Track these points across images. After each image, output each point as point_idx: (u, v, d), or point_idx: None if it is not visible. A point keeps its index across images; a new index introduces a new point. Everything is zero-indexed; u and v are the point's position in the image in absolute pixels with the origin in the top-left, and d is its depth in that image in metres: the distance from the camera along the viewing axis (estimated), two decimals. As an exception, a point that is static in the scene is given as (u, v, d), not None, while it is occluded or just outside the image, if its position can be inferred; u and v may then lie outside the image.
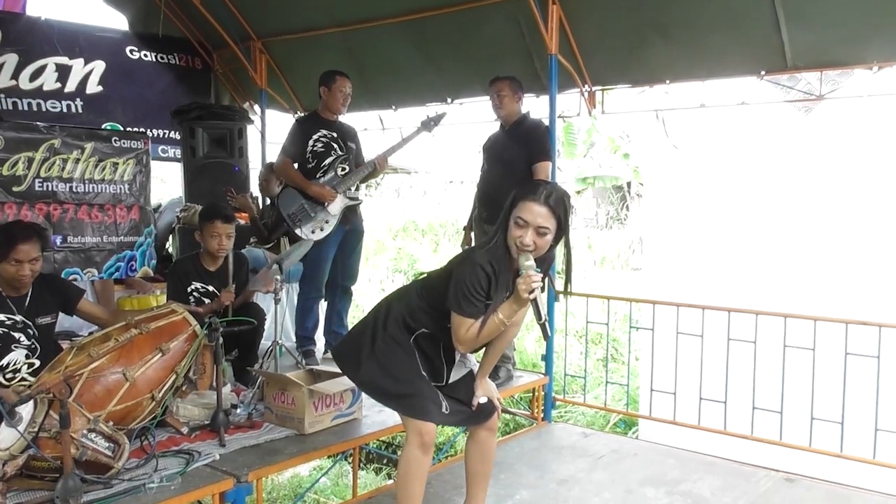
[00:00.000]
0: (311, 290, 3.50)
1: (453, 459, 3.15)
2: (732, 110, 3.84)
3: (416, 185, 15.56)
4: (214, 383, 2.46)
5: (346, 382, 2.57)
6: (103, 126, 4.49)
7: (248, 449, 2.33)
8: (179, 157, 4.69)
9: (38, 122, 3.68)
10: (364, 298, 7.56)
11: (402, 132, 3.77)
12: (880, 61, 2.95)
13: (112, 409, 2.20)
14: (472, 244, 3.40)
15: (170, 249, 4.52)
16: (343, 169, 3.37)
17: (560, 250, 1.91)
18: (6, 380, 2.39)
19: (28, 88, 4.36)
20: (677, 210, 4.78)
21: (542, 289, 1.78)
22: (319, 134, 3.35)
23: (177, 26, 4.90)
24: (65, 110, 4.51)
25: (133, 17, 5.04)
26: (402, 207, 13.25)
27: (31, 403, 1.91)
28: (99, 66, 4.65)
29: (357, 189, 3.45)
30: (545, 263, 1.88)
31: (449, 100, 4.19)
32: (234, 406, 2.61)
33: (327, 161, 3.35)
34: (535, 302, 1.74)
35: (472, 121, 4.35)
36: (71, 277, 3.38)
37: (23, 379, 2.40)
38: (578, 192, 12.47)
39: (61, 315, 2.62)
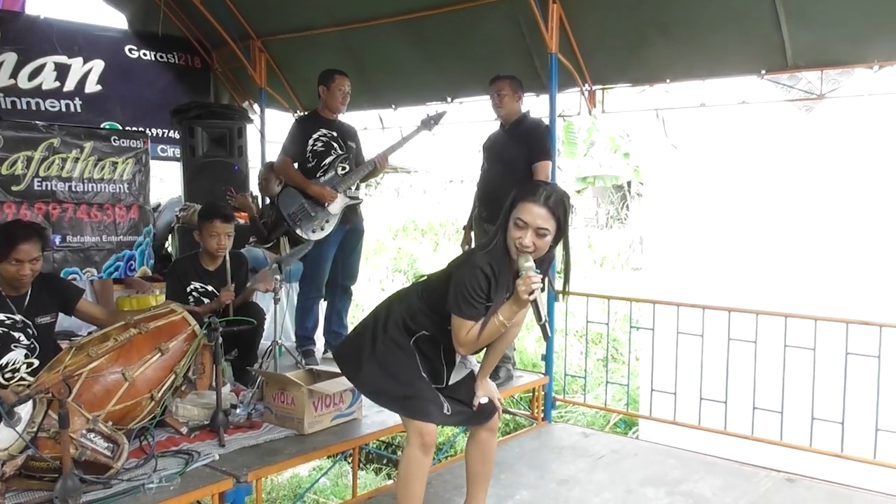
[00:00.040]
0: (312, 289, 3.49)
1: (453, 459, 3.15)
2: (733, 109, 3.84)
3: (415, 185, 15.56)
4: (214, 383, 2.45)
5: (345, 382, 2.56)
6: (102, 125, 4.48)
7: (247, 449, 2.32)
8: (179, 156, 4.68)
9: (37, 122, 3.67)
10: (364, 298, 7.56)
11: (402, 131, 3.76)
12: (881, 60, 2.95)
13: (111, 409, 2.20)
14: (472, 243, 3.40)
15: (169, 249, 4.52)
16: (343, 168, 3.36)
17: (559, 251, 1.91)
18: (5, 379, 2.39)
19: (27, 88, 4.35)
20: (678, 209, 4.78)
21: (542, 289, 1.78)
22: (319, 133, 3.34)
23: (176, 25, 4.89)
24: (64, 109, 4.50)
25: (132, 15, 5.03)
26: (401, 207, 13.24)
27: (29, 403, 1.90)
28: (98, 66, 4.64)
29: (357, 188, 3.44)
30: (545, 264, 1.88)
31: (449, 99, 4.19)
32: (234, 406, 2.61)
33: (327, 160, 3.34)
34: (535, 303, 1.74)
35: (471, 120, 4.35)
36: (70, 277, 3.37)
37: (22, 378, 2.40)
38: (578, 192, 12.48)
39: (61, 315, 2.61)
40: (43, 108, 4.41)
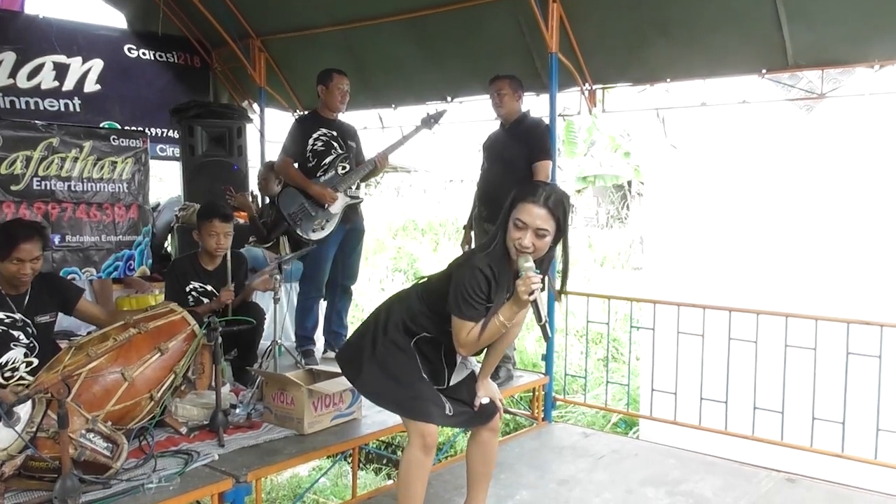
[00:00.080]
0: (312, 289, 3.49)
1: (453, 460, 3.14)
2: (733, 109, 3.84)
3: (415, 184, 15.55)
4: (213, 383, 2.45)
5: (345, 382, 2.55)
6: (101, 125, 4.47)
7: (247, 449, 2.32)
8: (178, 155, 4.67)
9: (35, 121, 3.66)
10: (364, 298, 7.55)
11: (402, 131, 3.76)
12: (881, 60, 2.95)
13: (110, 409, 2.19)
14: (473, 243, 3.40)
15: (168, 249, 4.51)
16: (343, 167, 3.36)
17: (559, 251, 1.90)
18: (4, 378, 2.39)
19: (26, 87, 4.34)
20: (678, 209, 4.77)
21: (542, 289, 1.78)
22: (319, 133, 3.34)
23: (175, 24, 4.89)
24: (62, 109, 4.49)
25: (131, 15, 5.03)
26: (401, 206, 13.23)
27: (29, 403, 1.90)
28: (97, 65, 4.63)
29: (357, 187, 3.44)
30: (545, 264, 1.87)
31: (449, 98, 4.18)
32: (233, 406, 2.60)
33: (327, 160, 3.34)
34: (535, 303, 1.74)
35: (472, 119, 4.34)
36: (69, 277, 3.37)
37: (21, 378, 2.39)
38: (579, 191, 12.47)
39: (60, 315, 2.61)
40: (42, 108, 4.40)
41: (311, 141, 3.32)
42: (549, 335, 1.79)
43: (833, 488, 2.59)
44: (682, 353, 3.18)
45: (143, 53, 4.87)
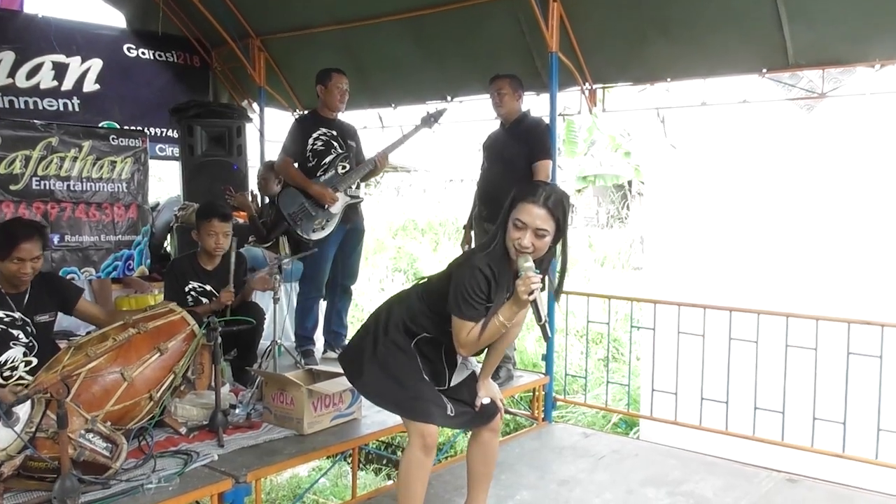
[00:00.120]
0: (312, 289, 3.48)
1: (453, 460, 3.14)
2: (734, 108, 3.83)
3: (415, 184, 15.54)
4: (213, 383, 2.44)
5: (345, 382, 2.55)
6: (101, 125, 4.46)
7: (246, 449, 2.31)
8: (177, 155, 4.66)
9: (35, 121, 3.66)
10: (363, 298, 7.54)
11: (402, 130, 3.75)
12: (882, 59, 2.94)
13: (110, 409, 2.19)
14: (473, 243, 3.39)
15: (168, 248, 4.50)
16: (343, 167, 3.35)
17: (558, 251, 1.90)
18: (3, 378, 2.38)
19: (25, 87, 4.33)
20: (679, 209, 4.77)
21: (542, 289, 1.77)
22: (319, 132, 3.33)
23: (175, 24, 4.88)
24: (62, 109, 4.48)
25: (131, 14, 5.02)
26: (401, 206, 13.22)
27: (28, 403, 1.89)
28: (96, 64, 4.62)
29: (357, 187, 3.43)
30: (544, 264, 1.87)
31: (449, 98, 4.17)
32: (233, 406, 2.60)
33: (327, 159, 3.34)
34: (534, 303, 1.74)
35: (471, 119, 4.33)
36: (68, 276, 3.36)
37: (20, 377, 2.39)
38: (579, 191, 12.47)
39: (59, 315, 2.60)
40: (41, 108, 4.39)
41: (310, 141, 3.32)
42: (549, 335, 1.79)
43: (834, 488, 2.59)
44: (683, 353, 3.18)
45: (143, 53, 4.87)
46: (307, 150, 3.31)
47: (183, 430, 2.41)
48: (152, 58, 4.90)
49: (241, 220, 4.08)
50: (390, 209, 12.67)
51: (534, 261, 1.78)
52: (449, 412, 1.93)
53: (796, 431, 2.89)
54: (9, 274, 2.37)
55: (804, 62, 3.11)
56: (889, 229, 3.88)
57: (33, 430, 1.87)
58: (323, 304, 3.63)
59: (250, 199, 4.24)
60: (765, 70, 3.22)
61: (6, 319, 2.41)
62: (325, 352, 3.57)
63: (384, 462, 5.55)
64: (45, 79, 4.41)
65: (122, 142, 3.60)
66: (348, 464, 3.43)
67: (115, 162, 3.56)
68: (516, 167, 3.05)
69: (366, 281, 8.71)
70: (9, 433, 1.83)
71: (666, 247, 4.89)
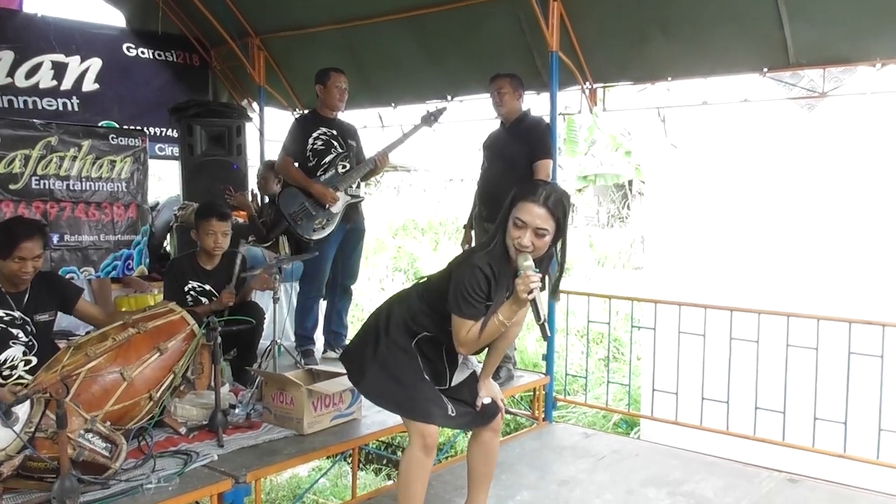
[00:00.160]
0: (312, 289, 3.48)
1: (454, 460, 3.14)
2: (734, 108, 3.82)
3: (415, 183, 15.53)
4: (213, 383, 2.44)
5: (345, 382, 2.54)
6: (100, 124, 4.46)
7: (246, 449, 2.31)
8: (177, 154, 4.66)
9: (34, 120, 3.65)
10: (363, 298, 7.54)
11: (402, 129, 3.75)
12: (883, 58, 2.94)
13: (109, 409, 2.19)
14: (473, 242, 3.39)
15: (167, 248, 4.50)
16: (343, 166, 3.35)
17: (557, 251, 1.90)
18: (3, 377, 2.38)
19: (24, 86, 4.33)
20: (679, 208, 4.76)
21: (542, 289, 1.77)
22: (319, 132, 3.33)
23: (174, 23, 4.87)
24: (61, 108, 4.48)
25: (130, 13, 5.01)
26: (401, 206, 13.21)
27: (27, 403, 1.89)
28: (95, 64, 4.61)
29: (358, 186, 3.42)
30: (544, 263, 1.86)
31: (449, 97, 4.17)
32: (233, 406, 2.59)
33: (327, 159, 3.33)
34: (533, 302, 1.73)
35: (472, 118, 4.33)
36: (68, 276, 3.36)
37: (20, 377, 2.39)
38: (579, 190, 12.47)
39: (59, 314, 2.60)
40: (40, 107, 4.38)
41: (310, 140, 3.31)
42: (548, 334, 1.78)
43: (835, 488, 2.59)
44: (684, 353, 3.17)
45: (142, 52, 4.86)
46: (307, 149, 3.31)
47: (182, 430, 2.41)
48: (152, 57, 4.89)
49: (240, 220, 4.08)
50: (390, 209, 12.66)
51: (533, 260, 1.77)
52: (450, 412, 1.93)
53: (797, 431, 2.88)
54: (9, 273, 2.37)
55: (805, 61, 3.10)
56: (890, 229, 3.88)
57: (32, 430, 1.86)
58: (323, 304, 3.62)
59: (250, 198, 4.23)
60: (766, 69, 3.22)
61: (6, 318, 2.41)
62: (325, 352, 3.56)
63: (384, 462, 5.54)
64: (45, 78, 4.40)
65: (121, 141, 3.60)
66: (348, 464, 3.42)
67: (115, 161, 3.55)
68: (517, 166, 3.04)
69: (366, 281, 8.70)
70: (8, 433, 1.83)
71: (667, 246, 4.89)
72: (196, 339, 2.46)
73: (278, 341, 3.14)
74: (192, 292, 2.97)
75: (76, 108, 4.54)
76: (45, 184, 3.33)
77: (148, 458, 2.14)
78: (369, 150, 3.53)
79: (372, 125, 4.65)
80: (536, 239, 1.77)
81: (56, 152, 3.35)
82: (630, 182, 11.95)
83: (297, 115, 4.64)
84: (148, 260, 3.79)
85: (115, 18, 5.08)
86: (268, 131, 4.95)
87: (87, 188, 3.48)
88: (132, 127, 4.30)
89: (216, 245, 2.94)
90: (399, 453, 1.99)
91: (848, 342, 2.75)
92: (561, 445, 2.99)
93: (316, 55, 4.27)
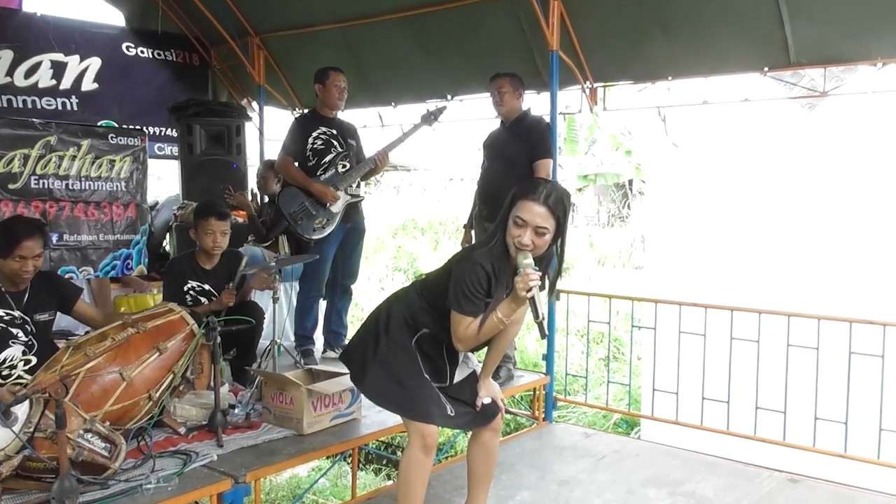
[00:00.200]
0: (312, 289, 3.47)
1: (453, 460, 3.13)
2: (735, 107, 3.81)
3: (415, 183, 15.51)
4: (212, 383, 2.43)
5: (344, 382, 2.54)
6: (99, 124, 4.45)
7: (245, 449, 2.31)
8: (176, 154, 4.65)
9: (33, 119, 3.64)
10: (363, 297, 7.53)
11: (402, 129, 3.74)
12: (884, 57, 2.93)
13: (109, 409, 2.18)
14: (473, 242, 3.38)
15: (167, 248, 4.49)
16: (343, 166, 3.34)
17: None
18: (2, 377, 2.38)
19: (23, 86, 4.32)
20: (680, 208, 4.75)
21: (541, 287, 1.76)
22: (319, 131, 3.32)
23: (174, 22, 4.87)
24: (60, 108, 4.47)
25: (130, 13, 5.01)
26: (401, 205, 13.20)
27: (26, 403, 1.89)
28: (95, 63, 4.61)
29: (358, 186, 3.42)
30: (544, 262, 1.86)
31: (449, 96, 4.16)
32: (232, 406, 2.59)
33: (327, 158, 3.32)
34: (532, 300, 1.73)
35: (472, 118, 4.32)
36: (67, 276, 3.35)
37: (19, 377, 2.38)
38: (580, 190, 12.45)
39: (58, 314, 2.60)
40: (39, 107, 4.37)
41: (310, 140, 3.31)
42: (546, 333, 1.78)
43: (836, 488, 2.58)
44: (684, 353, 3.17)
45: (142, 51, 4.85)
46: (307, 149, 3.30)
47: (182, 430, 2.40)
48: (151, 56, 4.88)
49: (240, 220, 4.07)
50: (390, 208, 12.65)
51: (533, 258, 1.77)
52: (448, 412, 1.93)
53: (798, 431, 2.88)
54: (10, 272, 2.37)
55: (806, 60, 3.10)
56: (891, 228, 3.87)
57: (32, 430, 1.86)
58: (323, 304, 3.62)
59: (250, 198, 4.23)
60: (766, 68, 3.21)
61: (6, 318, 2.40)
62: (324, 351, 3.56)
63: (384, 462, 5.54)
64: (44, 77, 4.39)
65: (120, 140, 3.59)
66: (348, 464, 3.42)
67: (114, 161, 3.54)
68: (517, 166, 3.04)
69: (366, 280, 8.69)
70: (7, 433, 1.82)
71: (667, 246, 4.88)
72: (195, 338, 2.46)
73: (278, 341, 3.13)
74: (191, 292, 2.97)
75: (75, 108, 4.53)
76: (44, 183, 3.33)
77: (147, 459, 2.13)
78: (369, 149, 3.52)
79: (372, 124, 4.65)
80: (536, 237, 1.77)
81: (55, 152, 3.34)
82: (630, 181, 11.94)
83: (297, 115, 4.63)
84: (147, 259, 3.79)
85: (115, 18, 5.08)
86: (267, 131, 4.95)
87: (87, 188, 3.47)
88: (131, 126, 4.29)
89: (215, 244, 2.93)
90: (399, 453, 1.98)
91: (849, 342, 2.75)
92: (561, 445, 2.98)
93: (316, 54, 4.27)
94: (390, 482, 4.44)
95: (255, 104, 4.97)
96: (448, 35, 3.95)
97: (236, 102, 5.02)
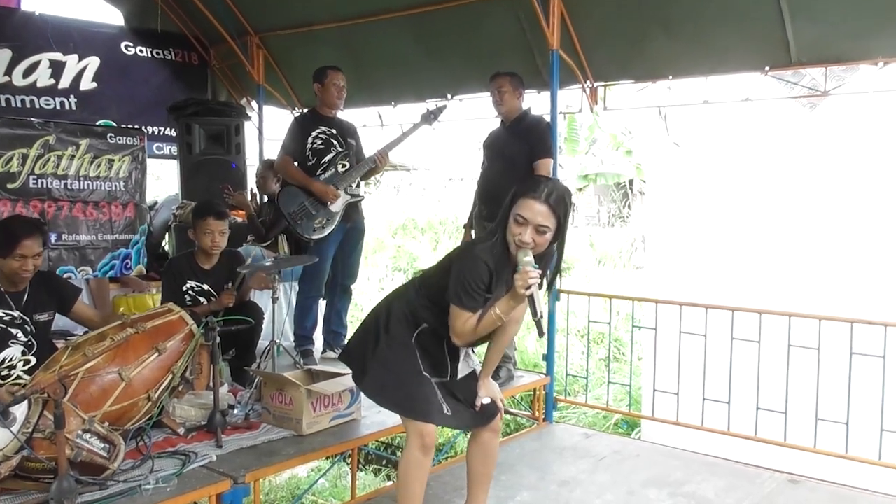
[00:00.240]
0: (311, 289, 3.46)
1: (453, 461, 3.13)
2: (736, 106, 3.81)
3: (415, 183, 15.51)
4: (211, 383, 2.42)
5: (344, 383, 2.54)
6: (98, 123, 4.44)
7: (245, 450, 2.30)
8: (175, 153, 4.64)
9: (32, 118, 3.63)
10: (363, 297, 7.53)
11: (402, 128, 3.73)
12: (885, 57, 2.93)
13: (107, 409, 2.17)
14: (473, 242, 3.37)
15: (166, 247, 4.49)
16: (343, 165, 3.33)
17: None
18: (1, 377, 2.37)
19: (21, 85, 4.31)
20: (680, 208, 4.75)
21: (541, 286, 1.76)
22: (318, 131, 3.31)
23: (173, 21, 4.86)
24: (58, 107, 4.46)
25: (129, 12, 5.00)
26: (401, 205, 13.20)
27: (25, 403, 1.88)
28: (93, 62, 4.60)
29: (358, 185, 3.41)
30: (545, 260, 1.85)
31: (449, 96, 4.15)
32: (231, 406, 2.58)
33: (327, 158, 3.32)
34: (531, 298, 1.72)
35: (472, 117, 4.31)
36: (65, 275, 3.34)
37: (18, 377, 2.38)
38: (580, 189, 12.44)
39: (57, 314, 2.59)
40: (38, 106, 4.36)
41: (310, 139, 3.30)
42: (543, 332, 1.78)
43: (836, 489, 2.58)
44: (685, 353, 3.16)
45: (141, 51, 4.84)
46: (307, 148, 3.29)
47: (181, 430, 2.39)
48: (150, 56, 4.87)
49: (239, 219, 4.06)
50: (390, 208, 12.65)
51: (534, 256, 1.76)
52: (445, 411, 1.92)
53: (799, 432, 2.87)
54: (10, 271, 2.37)
55: (807, 60, 3.09)
56: (892, 228, 3.86)
57: (30, 430, 1.86)
58: (322, 304, 3.61)
59: (249, 197, 4.22)
60: (767, 68, 3.20)
61: (5, 318, 2.40)
62: (324, 352, 3.55)
63: (384, 463, 5.53)
64: (42, 77, 4.38)
65: (119, 140, 3.58)
66: (347, 465, 3.41)
67: (113, 160, 3.53)
68: (517, 165, 3.03)
69: (365, 280, 8.69)
70: (5, 434, 1.82)
71: (668, 246, 4.87)
72: (195, 339, 2.45)
73: (277, 341, 3.13)
74: (190, 292, 2.96)
75: (74, 107, 4.52)
76: (42, 183, 3.32)
77: (146, 459, 2.13)
78: (369, 148, 3.51)
79: (371, 124, 4.64)
80: (537, 236, 1.77)
81: (54, 151, 3.33)
82: (631, 181, 11.93)
83: (297, 114, 4.63)
84: (146, 259, 3.78)
85: (114, 17, 5.07)
86: (267, 130, 4.94)
87: (85, 187, 3.46)
88: (130, 126, 4.28)
89: (213, 244, 2.92)
90: (398, 454, 1.97)
91: (850, 342, 2.74)
92: (561, 446, 2.98)
93: (315, 53, 4.26)
94: (390, 483, 4.43)
95: (254, 103, 4.96)
96: (448, 34, 3.94)
97: (235, 102, 5.02)
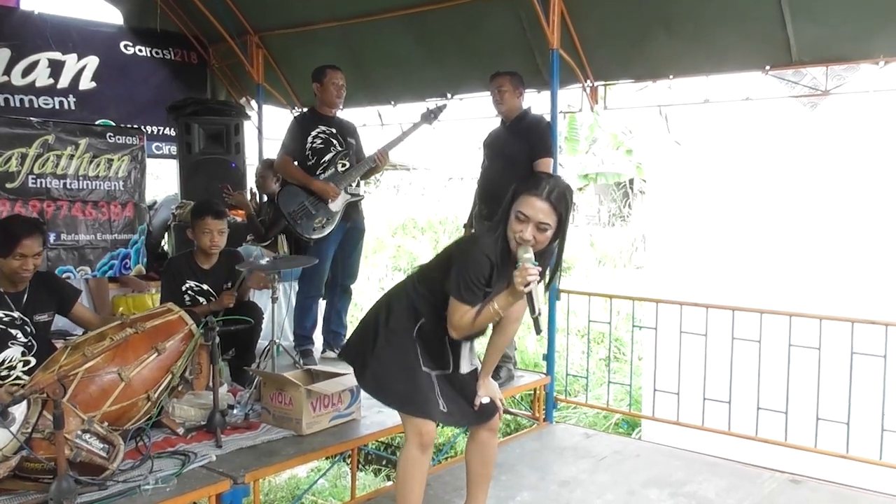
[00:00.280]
0: (311, 288, 3.46)
1: (453, 461, 3.12)
2: (737, 106, 3.80)
3: (415, 182, 15.51)
4: (211, 383, 2.42)
5: (344, 383, 2.53)
6: (97, 123, 4.42)
7: (244, 450, 2.29)
8: (175, 153, 4.63)
9: (31, 118, 3.62)
10: (363, 297, 7.52)
11: (402, 128, 3.73)
12: (886, 56, 2.92)
13: (107, 409, 2.17)
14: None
15: (165, 247, 4.48)
16: (343, 165, 3.33)
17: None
18: (0, 377, 2.36)
19: (20, 84, 4.30)
20: (681, 207, 4.75)
21: (539, 283, 1.75)
22: (318, 130, 3.31)
23: (173, 21, 4.85)
24: (57, 107, 4.45)
25: (128, 11, 4.99)
26: (401, 204, 13.20)
27: (24, 404, 1.88)
28: (92, 62, 4.58)
29: (358, 185, 3.41)
30: (545, 257, 1.85)
31: (449, 95, 4.15)
32: (231, 406, 2.57)
33: (327, 157, 3.31)
34: (529, 295, 1.72)
35: (472, 116, 4.30)
36: (64, 275, 3.33)
37: (18, 377, 2.37)
38: (580, 189, 12.45)
39: (56, 315, 2.58)
40: (36, 106, 4.35)
41: (310, 138, 3.29)
42: (541, 329, 1.77)
43: (837, 489, 2.57)
44: (685, 353, 3.16)
45: (140, 50, 4.83)
46: (306, 147, 3.29)
47: (180, 430, 2.39)
48: (149, 55, 4.86)
49: (239, 219, 4.06)
50: (390, 207, 12.65)
51: (534, 253, 1.76)
52: (443, 408, 1.91)
53: (799, 432, 2.87)
54: (10, 271, 2.37)
55: (808, 59, 3.09)
56: (893, 228, 3.86)
57: (29, 430, 1.85)
58: (322, 304, 3.60)
59: (248, 197, 4.21)
60: (768, 67, 3.20)
61: (5, 319, 2.40)
62: (324, 351, 3.54)
63: (383, 463, 5.52)
64: (41, 76, 4.37)
65: (118, 140, 3.57)
66: (347, 465, 3.40)
67: (112, 160, 3.52)
68: (517, 165, 3.03)
69: (365, 280, 8.69)
70: (5, 434, 1.81)
71: (668, 245, 4.87)
72: (194, 339, 2.44)
73: (277, 341, 3.12)
74: (189, 292, 2.95)
75: (73, 107, 4.51)
76: (41, 182, 3.31)
77: (146, 459, 2.12)
78: (369, 148, 3.51)
79: (371, 123, 4.63)
80: (538, 233, 1.76)
81: (53, 151, 3.32)
82: (631, 181, 11.94)
83: (296, 114, 4.62)
84: (145, 259, 3.77)
85: (113, 16, 5.06)
86: (266, 129, 4.93)
87: (84, 187, 3.45)
88: (129, 125, 4.27)
89: (212, 244, 2.91)
90: (398, 454, 1.96)
91: (851, 342, 2.74)
92: (562, 446, 2.97)
93: (315, 53, 4.25)
94: (389, 483, 4.43)
95: (253, 103, 4.96)
96: (448, 33, 3.94)
97: (235, 101, 5.01)
